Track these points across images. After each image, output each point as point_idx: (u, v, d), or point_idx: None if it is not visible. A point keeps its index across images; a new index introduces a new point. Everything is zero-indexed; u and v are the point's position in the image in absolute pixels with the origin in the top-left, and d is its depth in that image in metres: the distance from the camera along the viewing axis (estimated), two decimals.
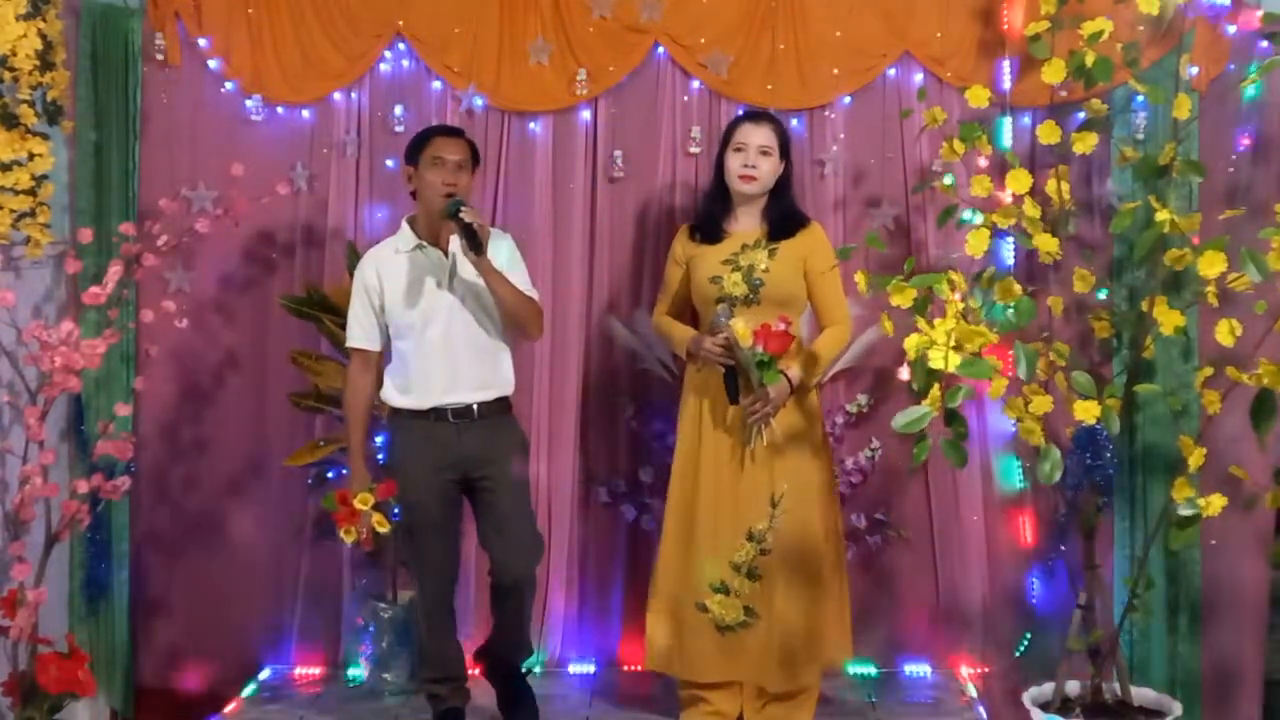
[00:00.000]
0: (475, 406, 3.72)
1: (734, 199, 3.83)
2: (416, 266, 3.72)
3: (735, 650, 3.78)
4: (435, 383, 3.69)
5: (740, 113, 4.08)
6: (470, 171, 3.76)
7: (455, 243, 3.61)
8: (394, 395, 3.75)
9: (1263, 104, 4.11)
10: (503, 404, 3.81)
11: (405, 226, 3.78)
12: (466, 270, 3.67)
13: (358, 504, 3.58)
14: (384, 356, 3.82)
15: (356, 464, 3.76)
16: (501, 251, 3.70)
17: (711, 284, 3.77)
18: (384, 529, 3.60)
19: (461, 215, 3.50)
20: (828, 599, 3.84)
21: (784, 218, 3.80)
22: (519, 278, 3.72)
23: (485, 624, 4.13)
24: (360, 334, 3.76)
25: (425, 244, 3.73)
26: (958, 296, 3.17)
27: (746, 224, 3.83)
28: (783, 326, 3.63)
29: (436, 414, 3.71)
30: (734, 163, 3.78)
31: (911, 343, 3.10)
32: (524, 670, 4.03)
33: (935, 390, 3.09)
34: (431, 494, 3.70)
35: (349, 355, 3.81)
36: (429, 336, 3.68)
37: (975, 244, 3.50)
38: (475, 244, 3.50)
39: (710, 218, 3.87)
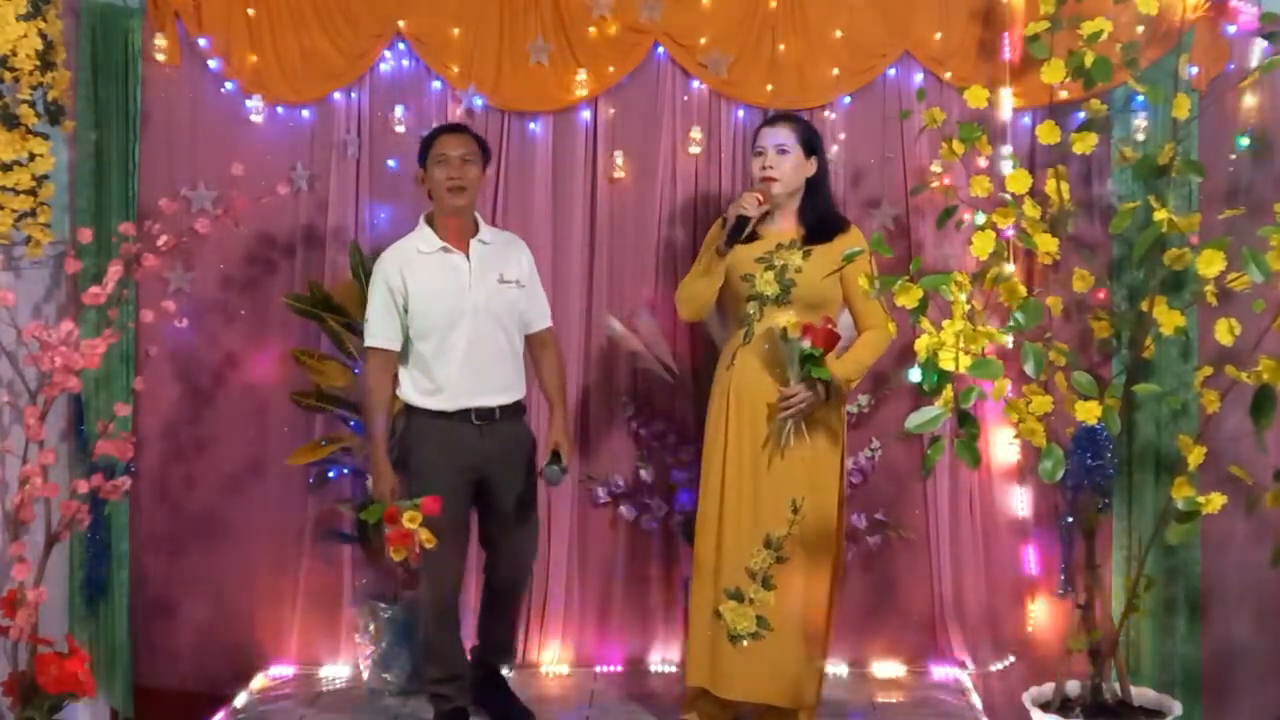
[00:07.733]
0: (497, 409, 3.75)
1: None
2: (442, 269, 3.73)
3: (746, 664, 3.68)
4: (462, 385, 3.70)
5: (741, 114, 4.07)
6: (479, 165, 3.78)
7: (476, 247, 3.72)
8: (415, 396, 3.74)
9: (1263, 104, 4.11)
10: (520, 407, 3.86)
11: (425, 226, 3.78)
12: (489, 276, 3.72)
13: (407, 522, 3.45)
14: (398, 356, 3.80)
15: (382, 465, 3.69)
16: (524, 264, 3.85)
17: (744, 281, 3.74)
18: (432, 545, 3.48)
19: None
20: (832, 608, 3.82)
21: (821, 221, 3.77)
22: (540, 298, 3.88)
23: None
24: (382, 334, 3.71)
25: (450, 247, 3.74)
26: (964, 297, 3.16)
27: (781, 225, 3.79)
28: (828, 325, 3.61)
29: (461, 415, 3.72)
30: (755, 168, 3.76)
31: (922, 344, 3.10)
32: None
33: (948, 392, 3.09)
34: (451, 494, 3.65)
35: (366, 355, 3.76)
36: (454, 340, 3.69)
37: (980, 245, 3.49)
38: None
39: (744, 221, 3.77)
